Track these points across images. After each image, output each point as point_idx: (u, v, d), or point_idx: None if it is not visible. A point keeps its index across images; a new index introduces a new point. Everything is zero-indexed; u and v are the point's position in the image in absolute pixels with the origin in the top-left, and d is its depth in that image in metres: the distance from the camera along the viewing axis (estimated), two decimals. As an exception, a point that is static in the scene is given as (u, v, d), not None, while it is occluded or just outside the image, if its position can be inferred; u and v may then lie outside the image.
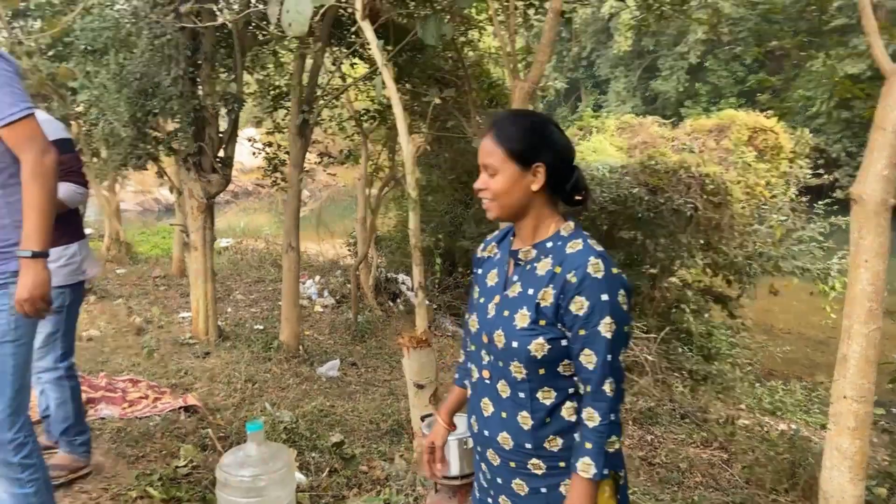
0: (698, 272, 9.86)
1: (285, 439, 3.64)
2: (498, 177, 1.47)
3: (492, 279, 1.60)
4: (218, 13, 5.27)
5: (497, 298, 1.54)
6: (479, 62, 8.05)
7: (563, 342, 1.43)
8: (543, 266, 1.47)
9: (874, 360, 2.77)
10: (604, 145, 14.87)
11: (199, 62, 5.34)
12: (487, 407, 1.55)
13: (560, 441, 1.46)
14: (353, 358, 6.89)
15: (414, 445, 3.76)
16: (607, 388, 1.39)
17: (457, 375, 1.82)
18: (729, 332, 9.60)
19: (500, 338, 1.48)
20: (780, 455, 4.66)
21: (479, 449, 1.61)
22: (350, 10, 4.77)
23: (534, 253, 1.51)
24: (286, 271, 6.46)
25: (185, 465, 3.17)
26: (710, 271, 9.68)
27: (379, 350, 7.36)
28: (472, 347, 1.61)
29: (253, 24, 5.90)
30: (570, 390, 1.46)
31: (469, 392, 1.67)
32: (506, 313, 1.49)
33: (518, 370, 1.46)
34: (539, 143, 1.47)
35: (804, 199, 11.05)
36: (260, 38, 6.44)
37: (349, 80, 7.47)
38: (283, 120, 7.18)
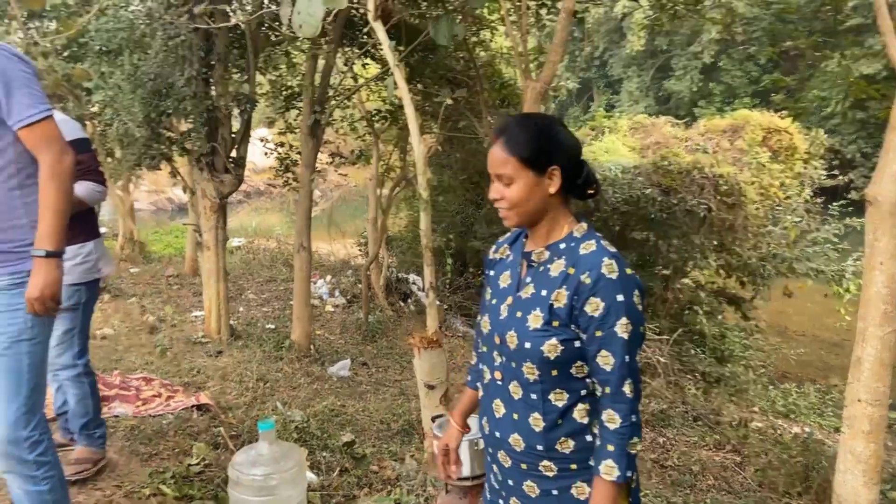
0: (711, 273, 9.80)
1: (296, 438, 3.66)
2: (514, 185, 1.46)
3: (504, 281, 1.60)
4: (231, 14, 5.31)
5: (510, 300, 1.54)
6: (490, 62, 8.05)
7: (577, 343, 1.43)
8: (556, 267, 1.47)
9: (889, 363, 2.75)
10: (616, 145, 14.78)
11: (213, 63, 5.38)
12: (499, 408, 1.55)
13: (572, 443, 1.46)
14: (364, 358, 6.91)
15: (424, 446, 3.77)
16: (627, 389, 1.39)
17: (469, 377, 1.82)
18: (742, 334, 9.54)
19: (512, 339, 1.48)
20: (793, 458, 4.63)
21: (490, 450, 1.61)
22: (362, 11, 4.78)
23: (547, 254, 1.51)
24: (297, 271, 6.48)
25: (197, 464, 3.19)
26: (724, 273, 9.62)
27: (390, 350, 7.38)
28: (484, 349, 1.61)
29: (265, 25, 5.93)
30: (583, 392, 1.46)
31: (481, 393, 1.67)
32: (518, 314, 1.49)
33: (531, 371, 1.46)
34: (550, 145, 1.46)
35: (819, 200, 10.95)
36: (272, 38, 6.47)
37: (361, 81, 7.49)
38: (294, 120, 7.21)
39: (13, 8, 5.50)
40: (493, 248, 1.72)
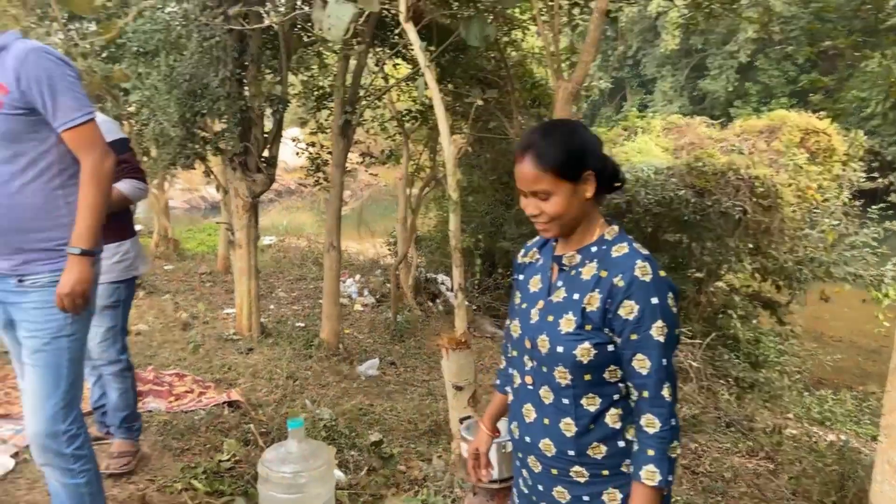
0: (746, 277, 9.61)
1: (325, 437, 3.68)
2: (553, 199, 1.43)
3: (535, 285, 1.58)
4: (265, 16, 5.37)
5: (541, 304, 1.52)
6: (522, 62, 8.02)
7: (610, 347, 1.41)
8: (588, 270, 1.45)
9: (932, 372, 2.66)
10: (649, 146, 14.61)
11: (246, 64, 5.45)
12: (529, 413, 1.53)
13: (604, 448, 1.44)
14: (392, 357, 6.93)
15: (452, 447, 3.76)
16: (665, 392, 1.37)
17: (498, 381, 1.81)
18: (777, 339, 9.34)
19: (543, 343, 1.46)
20: (828, 466, 4.52)
21: (520, 455, 1.60)
22: (394, 12, 4.79)
23: (578, 258, 1.49)
24: (327, 270, 6.53)
25: (228, 459, 3.23)
26: (759, 276, 9.43)
27: (418, 350, 7.39)
28: (514, 353, 1.60)
29: (298, 27, 5.99)
30: (615, 396, 1.44)
31: (510, 398, 1.66)
32: (550, 318, 1.47)
33: (562, 376, 1.45)
34: (580, 151, 1.44)
35: (857, 202, 10.67)
36: (305, 39, 6.53)
37: (392, 81, 7.51)
38: (326, 120, 7.27)
39: (54, 10, 5.64)
40: (522, 251, 1.70)
